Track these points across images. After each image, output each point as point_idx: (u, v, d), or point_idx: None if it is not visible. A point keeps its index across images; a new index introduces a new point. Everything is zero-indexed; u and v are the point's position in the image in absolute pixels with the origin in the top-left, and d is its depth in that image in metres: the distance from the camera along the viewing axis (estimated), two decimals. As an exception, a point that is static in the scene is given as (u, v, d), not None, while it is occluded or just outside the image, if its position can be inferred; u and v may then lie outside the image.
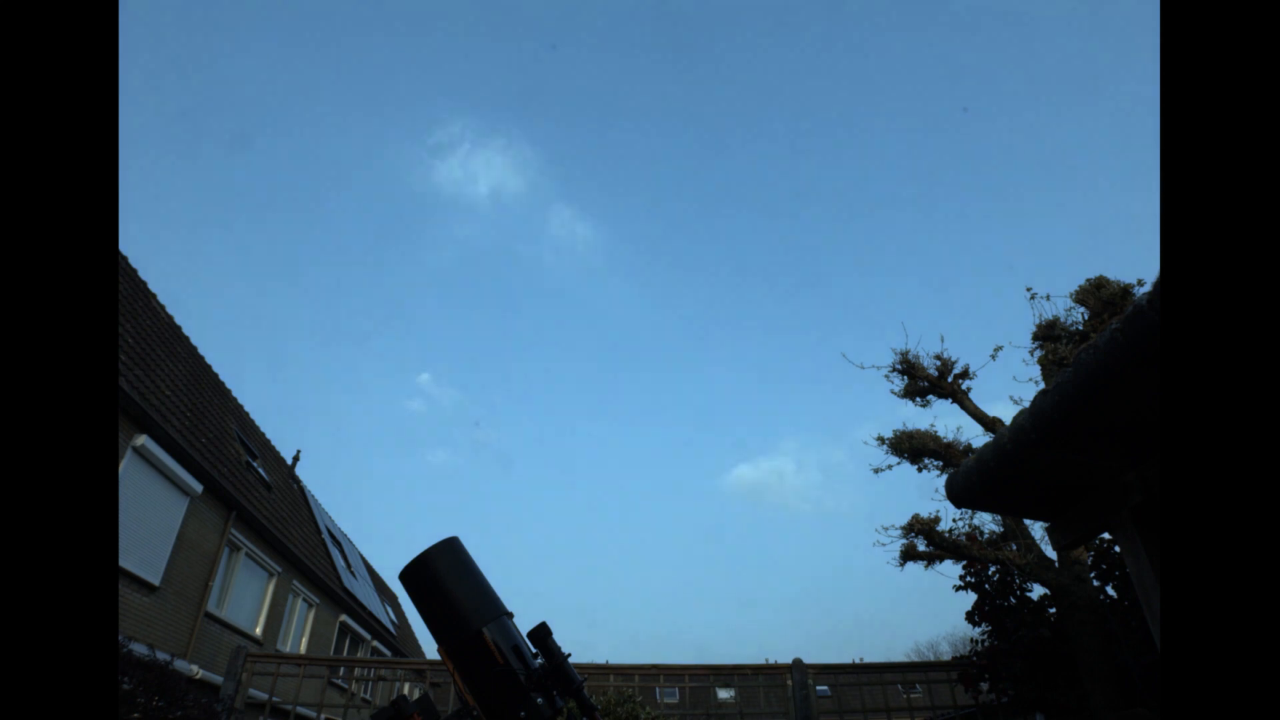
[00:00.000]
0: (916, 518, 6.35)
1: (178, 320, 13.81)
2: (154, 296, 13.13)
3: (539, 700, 1.24)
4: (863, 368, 6.99)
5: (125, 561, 8.91)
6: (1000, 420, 6.17)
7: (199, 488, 10.54)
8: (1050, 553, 5.83)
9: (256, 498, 12.93)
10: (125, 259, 12.38)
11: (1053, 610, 5.95)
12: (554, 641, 1.30)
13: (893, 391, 6.77)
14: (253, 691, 6.77)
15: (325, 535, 17.95)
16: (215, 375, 14.97)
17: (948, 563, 6.39)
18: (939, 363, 6.55)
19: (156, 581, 9.58)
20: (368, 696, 16.06)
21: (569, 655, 1.31)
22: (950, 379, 6.51)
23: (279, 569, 13.68)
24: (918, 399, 6.71)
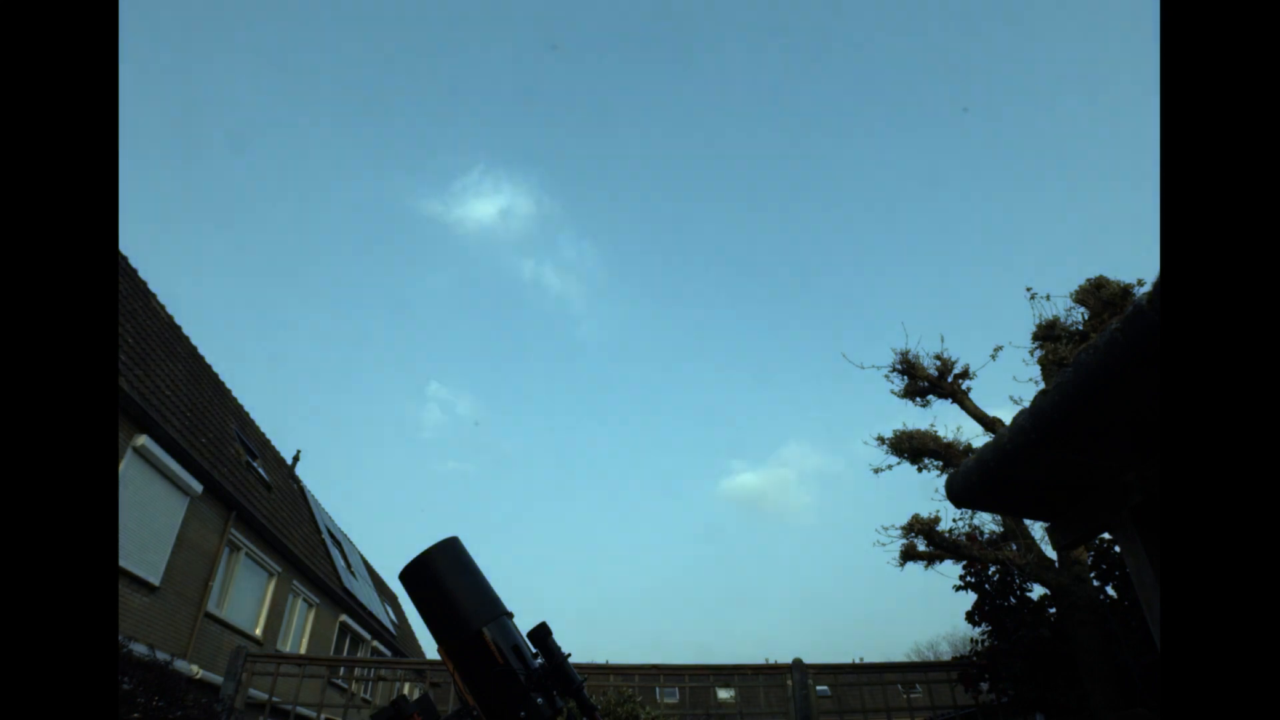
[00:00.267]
0: (916, 518, 6.35)
1: (178, 320, 13.82)
2: (154, 296, 13.13)
3: (539, 700, 1.24)
4: (863, 368, 6.99)
5: (125, 561, 8.91)
6: (1000, 420, 6.18)
7: (199, 488, 10.54)
8: (1050, 553, 5.83)
9: (256, 498, 12.93)
10: (125, 259, 12.38)
11: (1053, 610, 5.95)
12: (554, 641, 1.30)
13: (893, 391, 6.78)
14: (253, 691, 6.77)
15: (325, 535, 17.95)
16: (215, 375, 14.97)
17: (948, 563, 6.40)
18: (939, 363, 6.55)
19: (156, 581, 9.58)
20: (368, 696, 16.06)
21: (569, 655, 1.31)
22: (950, 379, 6.51)
23: (279, 569, 13.68)
24: (918, 399, 6.71)
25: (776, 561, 72.10)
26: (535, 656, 1.30)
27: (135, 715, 5.76)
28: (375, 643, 19.44)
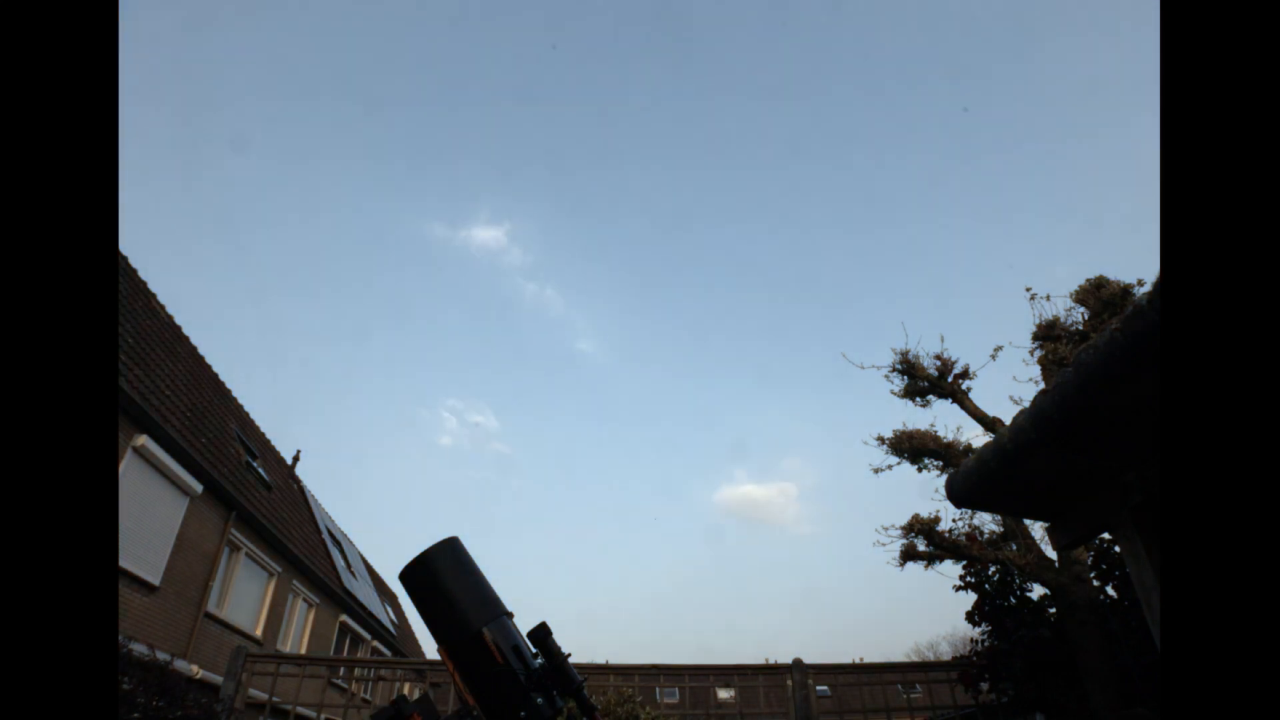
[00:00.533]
0: (916, 518, 6.35)
1: (178, 320, 13.82)
2: (154, 296, 13.13)
3: (539, 700, 1.24)
4: (863, 368, 6.99)
5: (125, 561, 8.91)
6: (1000, 420, 6.17)
7: (199, 488, 10.55)
8: (1050, 553, 5.83)
9: (256, 498, 12.94)
10: (125, 259, 12.38)
11: (1053, 610, 5.95)
12: (554, 641, 1.30)
13: (893, 391, 6.78)
14: (253, 691, 6.77)
15: (325, 535, 17.96)
16: (215, 375, 14.97)
17: (948, 563, 6.40)
18: (939, 363, 6.56)
19: (156, 581, 9.58)
20: (368, 696, 16.07)
21: (569, 655, 1.31)
22: (950, 379, 6.51)
23: (279, 569, 13.68)
24: (918, 399, 6.71)
25: (777, 562, 72.16)
26: (535, 656, 1.30)
27: (135, 715, 5.76)
28: (375, 643, 19.44)
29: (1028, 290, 6.23)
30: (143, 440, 9.16)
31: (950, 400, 6.55)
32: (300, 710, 7.11)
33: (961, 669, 6.61)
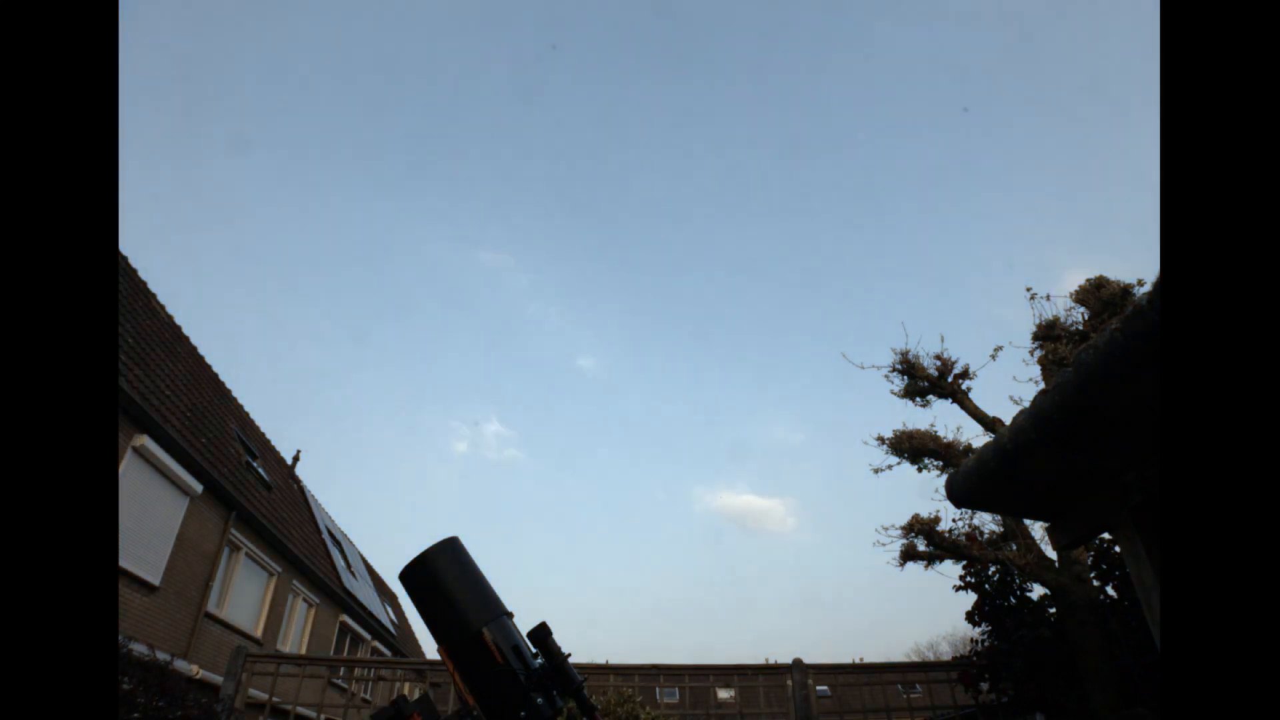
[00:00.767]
0: (916, 518, 6.35)
1: (178, 320, 13.82)
2: (154, 296, 13.14)
3: (539, 700, 1.24)
4: (863, 368, 6.99)
5: (125, 561, 8.91)
6: (1000, 420, 6.17)
7: (199, 488, 10.55)
8: (1050, 553, 5.83)
9: (256, 498, 12.94)
10: (125, 259, 12.38)
11: (1053, 610, 5.95)
12: (554, 641, 1.30)
13: (893, 391, 6.78)
14: (253, 691, 6.77)
15: (325, 535, 17.96)
16: (215, 375, 14.97)
17: (948, 563, 6.40)
18: (939, 363, 6.55)
19: (156, 581, 9.58)
20: (368, 696, 16.07)
21: (569, 655, 1.31)
22: (950, 379, 6.51)
23: (279, 569, 13.68)
24: (918, 399, 6.71)
25: (777, 562, 72.17)
26: (535, 656, 1.30)
27: (135, 715, 5.76)
28: (375, 643, 19.45)
29: (1028, 290, 6.23)
30: (143, 440, 9.16)
31: (950, 400, 6.55)
32: (300, 710, 7.11)
33: (961, 669, 6.61)
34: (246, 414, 16.54)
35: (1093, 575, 5.81)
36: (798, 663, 6.77)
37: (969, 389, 6.50)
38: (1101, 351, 2.31)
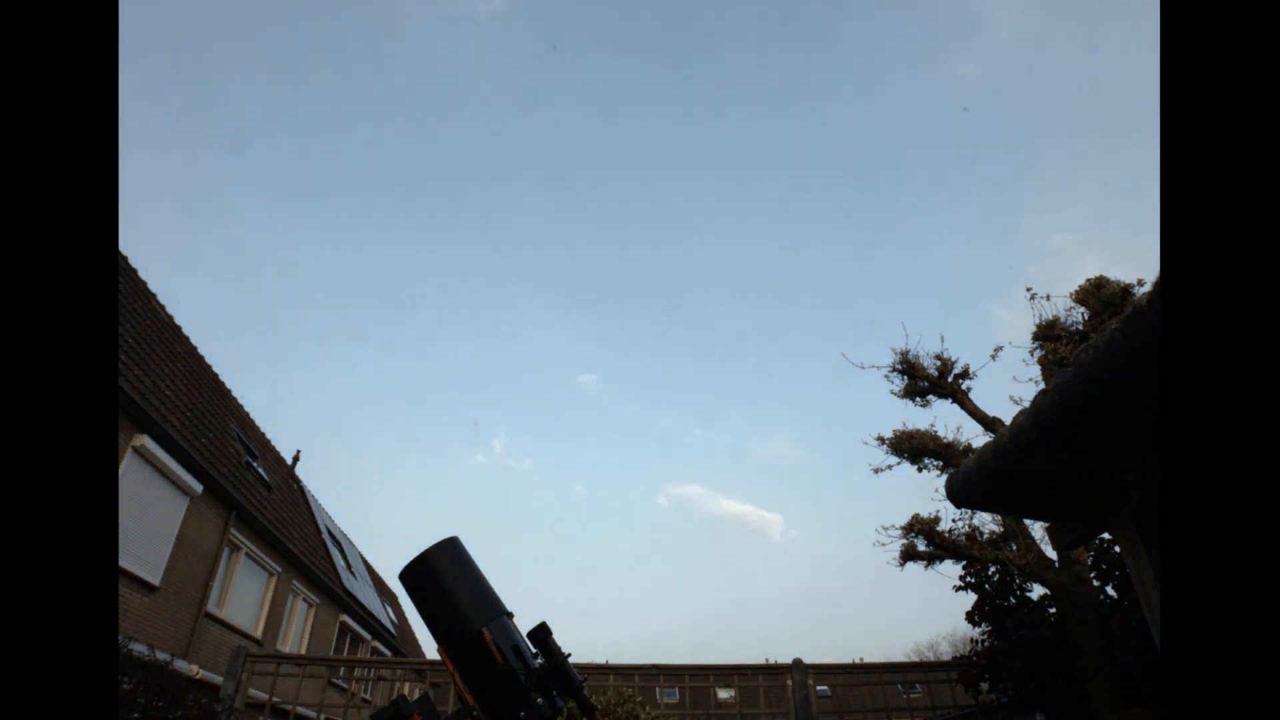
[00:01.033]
0: (916, 518, 6.35)
1: (178, 320, 13.82)
2: (154, 296, 13.14)
3: (539, 700, 1.24)
4: (863, 368, 6.99)
5: (125, 561, 8.91)
6: (1000, 420, 6.18)
7: (199, 488, 10.55)
8: (1050, 553, 5.83)
9: (256, 498, 12.94)
10: (125, 259, 12.39)
11: (1053, 610, 5.95)
12: (554, 641, 1.30)
13: (893, 391, 6.78)
14: (253, 691, 6.77)
15: (325, 535, 17.96)
16: (215, 375, 14.98)
17: (948, 563, 6.40)
18: (939, 363, 6.56)
19: (156, 581, 9.58)
20: (368, 696, 16.07)
21: (569, 655, 1.31)
22: (950, 379, 6.51)
23: (279, 569, 13.68)
24: (918, 399, 6.71)
25: (777, 563, 72.19)
26: (535, 656, 1.30)
27: (135, 715, 5.76)
28: (375, 643, 19.45)
29: (1028, 290, 6.24)
30: (143, 440, 9.16)
31: (950, 400, 6.55)
32: (300, 710, 7.11)
33: (961, 669, 6.62)
34: (246, 414, 16.55)
35: (1093, 575, 5.81)
36: (798, 663, 6.77)
37: (969, 389, 6.51)
38: (1101, 351, 2.31)
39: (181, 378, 11.89)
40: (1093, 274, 7.32)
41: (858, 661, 7.84)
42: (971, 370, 6.51)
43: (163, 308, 13.31)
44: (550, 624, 1.31)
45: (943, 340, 15.09)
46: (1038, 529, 6.01)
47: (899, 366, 6.69)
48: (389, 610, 22.78)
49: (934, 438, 6.40)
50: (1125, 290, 5.78)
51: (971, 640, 6.66)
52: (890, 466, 6.67)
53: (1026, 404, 2.79)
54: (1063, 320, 6.09)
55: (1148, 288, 2.39)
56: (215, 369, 15.11)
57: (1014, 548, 6.06)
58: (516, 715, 1.22)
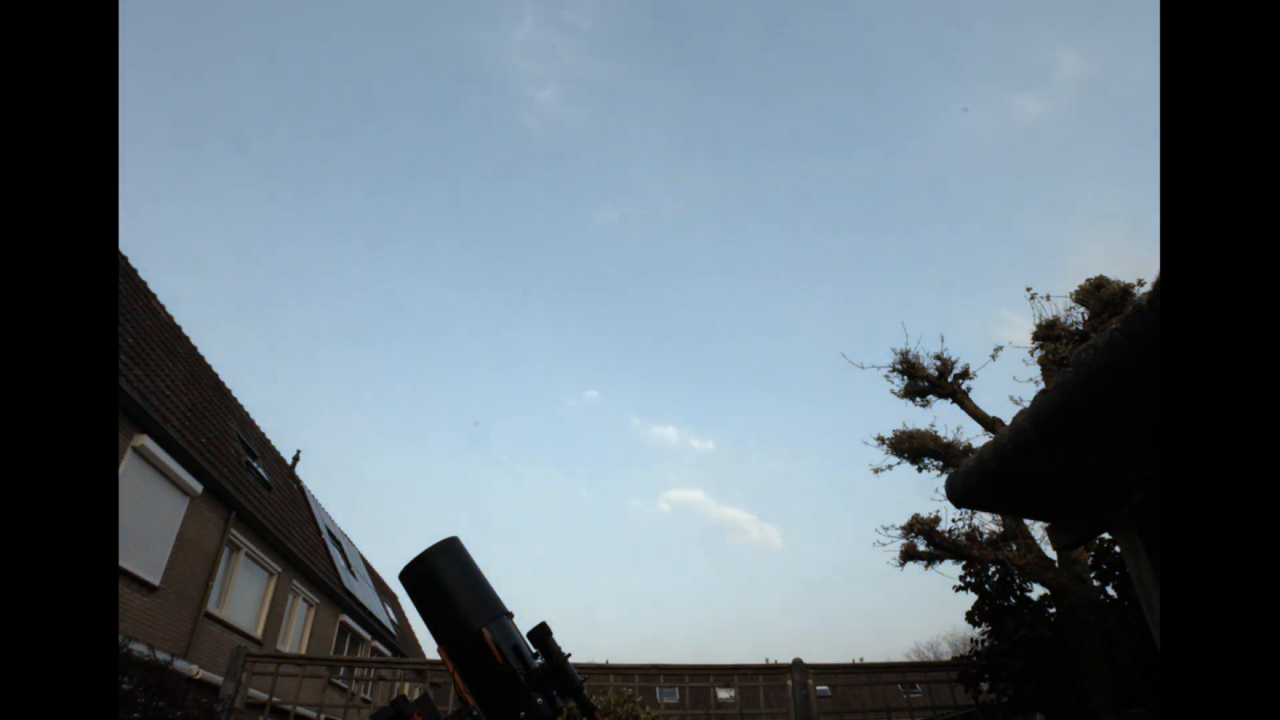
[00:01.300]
0: (916, 518, 6.35)
1: (178, 320, 13.82)
2: (154, 296, 13.14)
3: (539, 700, 1.24)
4: (863, 368, 6.99)
5: (125, 561, 8.91)
6: (1000, 420, 6.18)
7: (199, 488, 10.55)
8: (1050, 553, 5.83)
9: (256, 498, 12.94)
10: (125, 259, 12.38)
11: (1053, 610, 5.95)
12: (554, 641, 1.30)
13: (893, 391, 6.78)
14: (253, 691, 6.77)
15: (325, 535, 17.96)
16: (215, 375, 14.98)
17: (948, 563, 6.40)
18: (939, 363, 6.56)
19: (156, 581, 9.58)
20: (368, 696, 16.07)
21: (569, 655, 1.31)
22: (950, 379, 6.51)
23: (279, 569, 13.68)
24: (918, 399, 6.71)
25: (777, 563, 72.18)
26: (535, 656, 1.30)
27: (135, 715, 5.76)
28: (375, 643, 19.45)
29: (1028, 290, 6.23)
30: (143, 440, 9.16)
31: (950, 400, 6.55)
32: (300, 710, 7.11)
33: (961, 669, 6.62)
34: (246, 414, 16.55)
35: (1093, 575, 5.81)
36: (798, 663, 6.77)
37: (969, 389, 6.50)
38: (1101, 351, 2.31)
39: (181, 378, 11.89)
40: (1093, 274, 7.32)
41: (858, 661, 7.85)
42: (971, 370, 6.51)
43: (163, 308, 13.31)
44: (550, 624, 1.31)
45: (943, 340, 15.10)
46: (1038, 529, 6.01)
47: (899, 366, 6.69)
48: (389, 610, 22.78)
49: (934, 438, 6.40)
50: (1125, 290, 5.78)
51: (971, 640, 6.66)
52: (890, 466, 6.67)
53: (1026, 404, 2.79)
54: (1063, 320, 6.09)
55: (1148, 288, 2.39)
56: (215, 369, 15.12)
57: (1014, 548, 6.06)
58: (516, 715, 1.22)
